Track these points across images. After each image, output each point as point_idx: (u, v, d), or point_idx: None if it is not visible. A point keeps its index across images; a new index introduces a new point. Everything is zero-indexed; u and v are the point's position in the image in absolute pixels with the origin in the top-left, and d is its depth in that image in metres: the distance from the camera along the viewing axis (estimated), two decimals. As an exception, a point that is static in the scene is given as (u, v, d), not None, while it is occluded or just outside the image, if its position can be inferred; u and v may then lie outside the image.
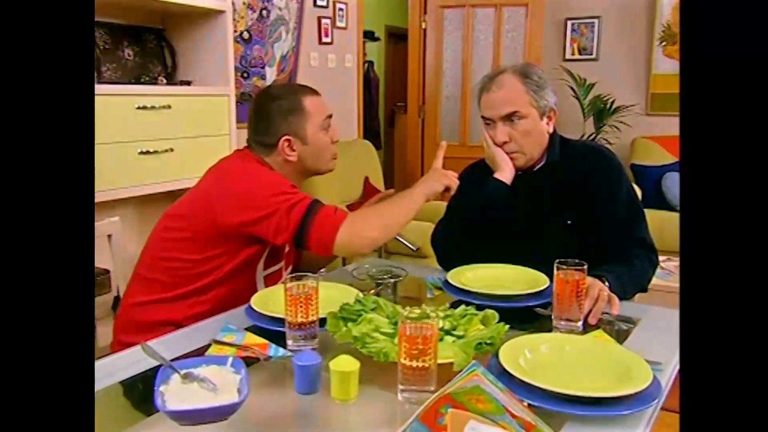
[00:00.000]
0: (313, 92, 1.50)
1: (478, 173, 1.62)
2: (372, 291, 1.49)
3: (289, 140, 1.43)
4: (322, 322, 1.13)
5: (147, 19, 2.46)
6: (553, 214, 1.56)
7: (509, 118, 1.51)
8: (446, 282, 1.42)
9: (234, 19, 2.93)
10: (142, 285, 1.42)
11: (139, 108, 2.06)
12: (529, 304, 1.31)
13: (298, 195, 1.34)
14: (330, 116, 1.50)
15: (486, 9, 4.55)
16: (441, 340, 1.09)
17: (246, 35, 3.03)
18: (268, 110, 1.44)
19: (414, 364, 0.92)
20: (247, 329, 1.20)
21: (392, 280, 1.49)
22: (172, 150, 2.18)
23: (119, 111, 2.03)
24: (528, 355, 1.01)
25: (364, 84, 5.63)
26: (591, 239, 1.50)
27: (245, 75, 3.07)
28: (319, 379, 0.98)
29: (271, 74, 3.23)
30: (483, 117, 1.56)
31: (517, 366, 0.96)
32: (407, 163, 4.86)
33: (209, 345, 1.13)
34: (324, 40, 3.70)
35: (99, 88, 2.00)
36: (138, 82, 2.33)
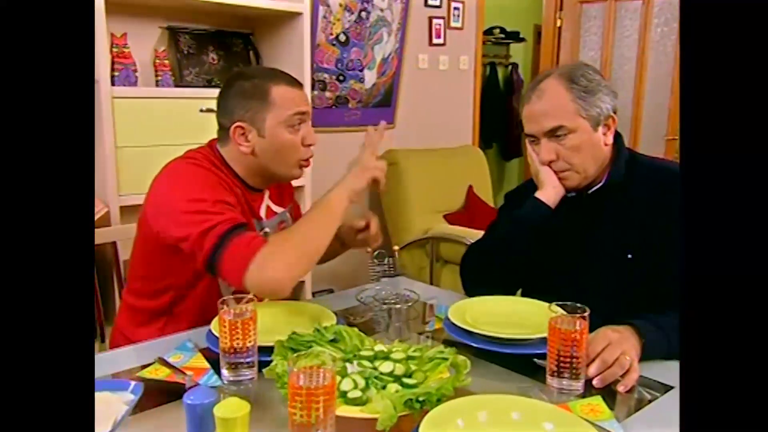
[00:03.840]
0: (291, 82, 1.33)
1: (535, 189, 1.39)
2: (364, 318, 1.36)
3: (242, 127, 1.30)
4: (271, 351, 1.03)
5: (236, 24, 2.52)
6: (610, 245, 1.30)
7: (553, 133, 1.28)
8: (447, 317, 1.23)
9: (330, 22, 2.92)
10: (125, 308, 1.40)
11: (202, 111, 2.10)
12: (531, 351, 1.08)
13: (218, 216, 1.17)
14: (302, 113, 1.32)
15: (633, 2, 4.09)
16: (384, 387, 0.93)
17: (342, 37, 3.00)
18: (231, 89, 1.32)
19: (297, 417, 0.77)
20: (203, 350, 1.13)
21: (398, 306, 1.34)
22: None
23: (184, 113, 2.08)
24: (460, 424, 0.81)
25: (507, 88, 5.38)
26: (655, 280, 1.22)
27: (341, 78, 3.04)
28: (212, 422, 0.87)
29: (370, 77, 3.17)
30: (525, 133, 1.35)
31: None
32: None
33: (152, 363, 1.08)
34: (435, 41, 3.57)
35: (161, 91, 2.08)
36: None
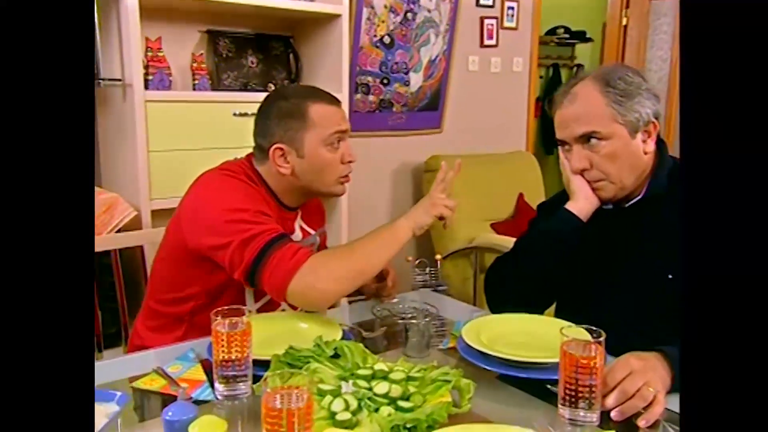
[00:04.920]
0: (330, 100, 1.34)
1: (560, 201, 1.32)
2: (376, 333, 1.32)
3: (281, 149, 1.30)
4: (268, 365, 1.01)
5: (276, 27, 2.54)
6: (649, 264, 1.22)
7: (586, 139, 1.21)
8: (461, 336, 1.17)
9: (374, 23, 2.90)
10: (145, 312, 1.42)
11: (236, 115, 2.12)
12: (546, 377, 1.01)
13: (259, 227, 1.18)
14: (342, 132, 1.32)
15: (704, -2, 3.88)
16: (377, 410, 0.89)
17: (387, 39, 2.97)
18: (269, 110, 1.32)
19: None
20: (203, 361, 1.12)
21: (414, 321, 1.29)
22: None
23: (219, 118, 2.11)
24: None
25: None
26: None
27: (386, 81, 3.02)
28: (189, 438, 0.85)
29: (416, 80, 3.13)
30: (557, 139, 1.28)
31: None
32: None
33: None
34: (487, 42, 3.49)
35: (194, 95, 2.11)
36: (262, 90, 2.41)
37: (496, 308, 1.37)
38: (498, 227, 3.15)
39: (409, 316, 1.34)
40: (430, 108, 3.25)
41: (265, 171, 1.34)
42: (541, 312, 1.33)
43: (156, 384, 1.03)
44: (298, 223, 1.43)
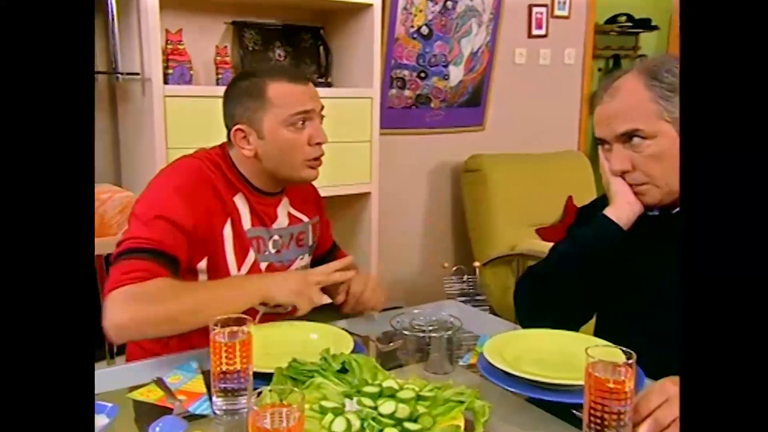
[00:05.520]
0: (292, 78, 1.31)
1: (602, 207, 1.28)
2: (392, 346, 1.29)
3: (242, 130, 1.30)
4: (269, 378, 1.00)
5: (305, 17, 2.55)
6: None
7: (628, 137, 1.16)
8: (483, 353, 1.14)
9: (411, 13, 2.88)
10: None
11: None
12: (572, 400, 0.97)
13: (141, 230, 1.18)
14: (305, 112, 1.29)
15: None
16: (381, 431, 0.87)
17: (425, 30, 2.95)
18: (230, 91, 1.33)
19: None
20: (205, 372, 1.12)
21: (434, 334, 1.26)
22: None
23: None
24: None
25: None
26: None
27: (423, 75, 2.99)
28: (178, 455, 0.84)
29: (456, 74, 3.10)
30: (596, 138, 1.23)
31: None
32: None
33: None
34: (535, 32, 3.43)
35: (215, 90, 2.12)
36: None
37: (526, 323, 1.33)
38: (544, 233, 3.08)
39: (430, 328, 1.31)
40: (471, 104, 3.21)
41: (235, 155, 1.34)
42: (576, 328, 1.28)
43: (153, 396, 1.03)
44: (285, 209, 1.42)
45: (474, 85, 3.19)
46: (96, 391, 1.04)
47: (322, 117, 1.36)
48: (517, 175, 3.10)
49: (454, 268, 2.75)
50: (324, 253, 1.62)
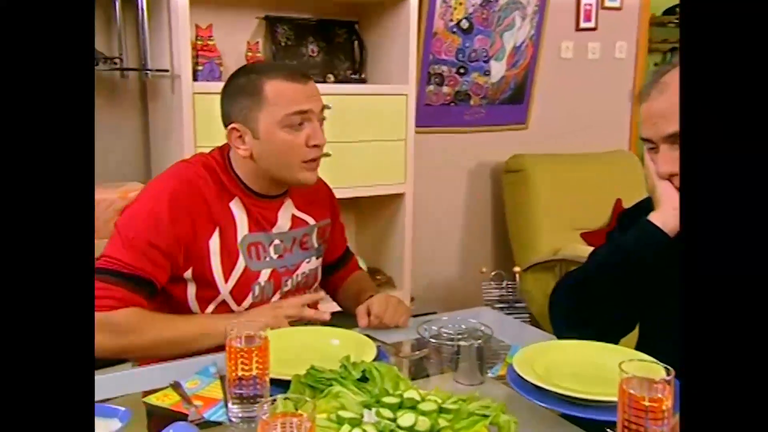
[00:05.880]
0: (291, 76, 1.29)
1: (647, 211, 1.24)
2: (417, 354, 1.28)
3: (237, 129, 1.29)
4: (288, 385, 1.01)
5: (340, 12, 2.56)
6: None
7: (676, 138, 1.12)
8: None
9: (450, 6, 2.86)
10: None
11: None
12: (606, 418, 0.95)
13: (121, 251, 1.22)
14: (303, 112, 1.28)
15: None
16: (400, 446, 0.86)
17: (465, 24, 2.92)
18: (227, 88, 1.33)
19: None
20: (223, 377, 1.13)
21: (462, 343, 1.25)
22: (328, 155, 2.20)
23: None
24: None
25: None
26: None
27: (462, 71, 2.97)
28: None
29: (498, 69, 3.07)
30: (642, 138, 1.20)
31: None
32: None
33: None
34: (584, 25, 3.37)
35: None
36: (321, 81, 2.44)
37: (561, 333, 1.30)
38: (590, 237, 3.02)
39: (459, 337, 1.30)
40: (513, 101, 3.17)
41: (233, 156, 1.34)
42: (616, 341, 1.25)
43: (168, 400, 1.05)
44: (288, 211, 1.41)
45: (517, 82, 3.15)
46: (113, 394, 1.07)
47: (323, 118, 1.34)
48: (562, 176, 3.04)
49: (493, 274, 2.75)
50: (336, 260, 1.62)
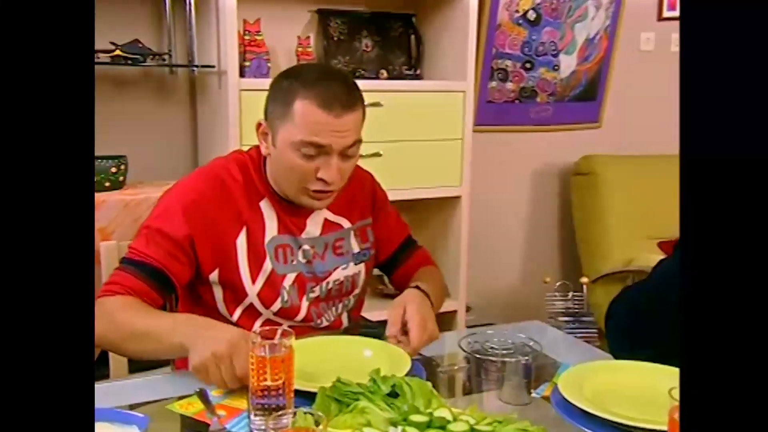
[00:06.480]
0: (325, 103, 1.23)
1: None
2: (455, 369, 1.27)
3: (262, 125, 1.32)
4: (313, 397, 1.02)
5: (396, 4, 2.57)
6: None
7: None
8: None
9: (516, -4, 2.82)
10: None
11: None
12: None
13: (140, 242, 1.28)
14: (320, 146, 1.24)
15: None
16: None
17: (532, 15, 2.88)
18: (273, 82, 1.34)
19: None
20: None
21: (507, 359, 1.22)
22: (379, 155, 2.22)
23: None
24: None
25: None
26: None
27: (528, 65, 2.92)
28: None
29: (568, 63, 3.00)
30: None
31: None
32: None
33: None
34: (667, 14, 3.26)
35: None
36: (374, 77, 2.45)
37: (617, 352, 1.26)
38: (667, 247, 2.92)
39: (504, 352, 1.27)
40: (585, 98, 3.10)
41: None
42: (677, 364, 1.20)
43: (192, 408, 1.07)
44: (319, 216, 1.41)
45: (589, 77, 3.07)
46: (137, 400, 1.10)
47: (347, 156, 1.29)
48: (637, 179, 2.96)
49: (558, 284, 2.69)
50: (396, 251, 1.57)
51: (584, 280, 2.75)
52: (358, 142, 1.30)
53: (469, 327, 2.54)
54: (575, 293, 2.70)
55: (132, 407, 1.07)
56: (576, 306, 2.72)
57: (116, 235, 1.80)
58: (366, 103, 1.25)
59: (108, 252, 1.55)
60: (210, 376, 1.09)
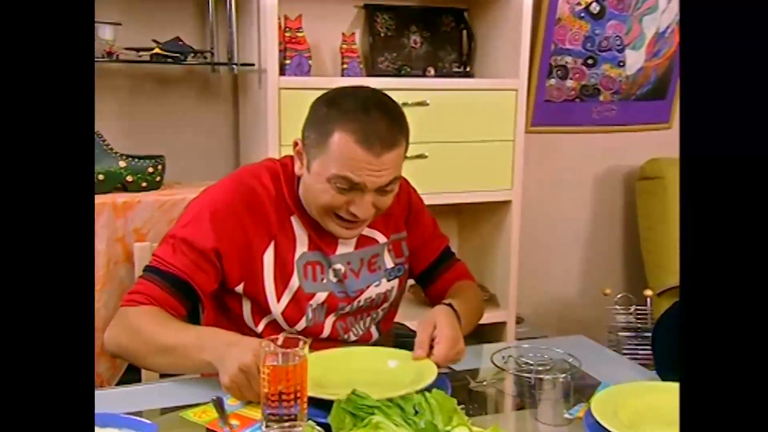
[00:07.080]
0: (365, 140, 1.22)
1: None
2: (485, 385, 1.25)
3: (298, 144, 1.33)
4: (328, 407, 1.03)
5: (448, -2, 2.56)
6: None
7: None
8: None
9: (578, -12, 2.78)
10: None
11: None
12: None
13: (165, 250, 1.31)
14: (354, 183, 1.24)
15: None
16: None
17: (596, 8, 2.82)
18: (314, 104, 1.33)
19: None
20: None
21: (543, 376, 1.21)
22: (424, 156, 2.22)
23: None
24: None
25: None
26: None
27: (591, 62, 2.87)
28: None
29: (635, 59, 2.93)
30: None
31: None
32: None
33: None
34: (746, 5, 3.15)
35: (333, 81, 2.19)
36: (421, 75, 2.45)
37: (664, 373, 1.23)
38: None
39: (539, 368, 1.25)
40: (654, 96, 3.02)
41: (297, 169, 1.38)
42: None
43: (205, 417, 1.10)
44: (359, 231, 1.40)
45: (659, 74, 2.99)
46: (152, 406, 1.14)
47: (384, 191, 1.29)
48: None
49: (619, 296, 2.63)
50: (431, 265, 1.56)
51: (648, 292, 2.67)
52: (397, 179, 1.30)
53: (518, 339, 2.50)
54: (638, 307, 2.63)
55: (142, 414, 1.10)
56: (639, 321, 2.65)
57: (151, 235, 1.85)
58: (411, 102, 1.22)
59: (141, 253, 1.60)
60: (244, 392, 1.12)
